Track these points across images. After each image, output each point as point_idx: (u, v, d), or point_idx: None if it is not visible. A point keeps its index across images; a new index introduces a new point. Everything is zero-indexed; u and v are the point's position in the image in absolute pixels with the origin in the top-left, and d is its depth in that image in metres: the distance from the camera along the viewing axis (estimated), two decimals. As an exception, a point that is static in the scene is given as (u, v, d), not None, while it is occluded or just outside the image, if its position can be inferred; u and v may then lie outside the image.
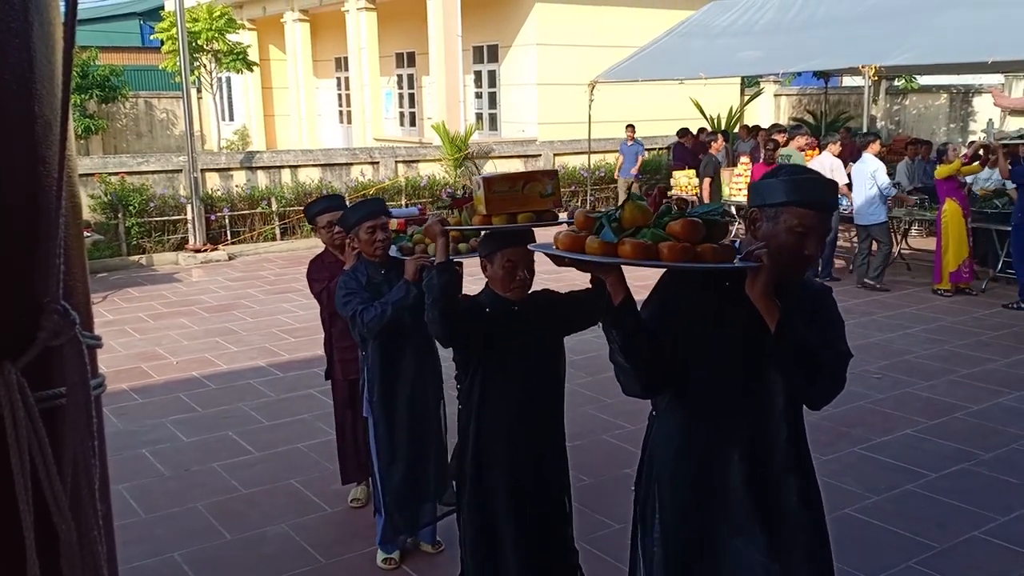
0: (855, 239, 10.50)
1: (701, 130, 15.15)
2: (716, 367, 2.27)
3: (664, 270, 2.29)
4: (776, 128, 12.79)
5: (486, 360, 3.03)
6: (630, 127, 14.36)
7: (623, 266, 2.14)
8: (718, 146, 12.07)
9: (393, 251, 3.74)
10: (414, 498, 3.88)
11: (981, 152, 9.76)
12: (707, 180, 11.47)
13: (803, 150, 10.72)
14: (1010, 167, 8.84)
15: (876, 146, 9.66)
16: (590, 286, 3.01)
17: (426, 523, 4.00)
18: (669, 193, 12.86)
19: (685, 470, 2.31)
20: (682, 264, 2.07)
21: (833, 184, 2.27)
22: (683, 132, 14.96)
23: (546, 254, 2.29)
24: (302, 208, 12.73)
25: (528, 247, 2.84)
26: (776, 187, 2.17)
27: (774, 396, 2.25)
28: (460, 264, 3.76)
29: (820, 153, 10.40)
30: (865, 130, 10.92)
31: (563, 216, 3.15)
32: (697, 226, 2.11)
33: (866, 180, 9.39)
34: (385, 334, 3.66)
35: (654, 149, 16.61)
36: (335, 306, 3.77)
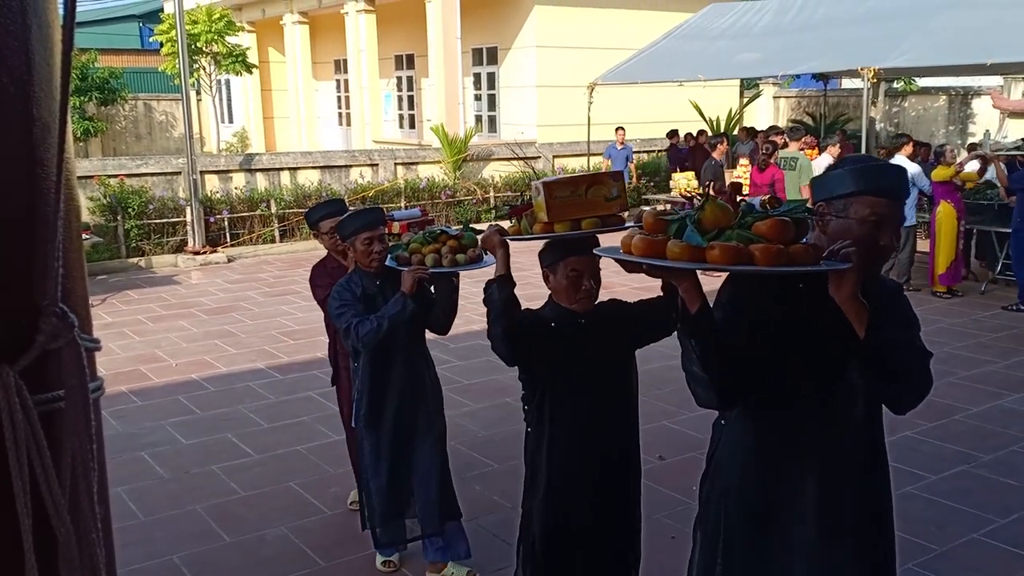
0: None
1: (701, 132, 15.13)
2: (792, 375, 2.13)
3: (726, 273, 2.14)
4: (773, 130, 12.79)
5: (553, 378, 2.84)
6: (620, 129, 14.13)
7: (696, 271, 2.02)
8: (722, 150, 11.74)
9: (389, 261, 3.62)
10: (397, 513, 3.78)
11: (978, 164, 9.76)
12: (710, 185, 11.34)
13: (803, 150, 10.69)
14: (1007, 173, 8.86)
15: (909, 148, 9.59)
16: (661, 293, 2.82)
17: (412, 539, 3.87)
18: (682, 191, 12.79)
19: (755, 483, 2.19)
20: (777, 268, 1.91)
21: (902, 170, 2.18)
22: (672, 133, 14.99)
23: (617, 260, 2.13)
24: (301, 210, 12.76)
25: (595, 252, 2.60)
26: (844, 177, 2.08)
27: (853, 406, 2.13)
28: (457, 276, 3.66)
29: (820, 155, 10.40)
30: (864, 132, 10.94)
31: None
32: (787, 226, 1.96)
33: None
34: (378, 346, 3.57)
35: (653, 151, 16.63)
36: (329, 315, 3.70)
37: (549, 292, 2.89)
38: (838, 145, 10.31)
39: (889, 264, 9.69)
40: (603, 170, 13.80)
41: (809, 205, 2.18)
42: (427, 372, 3.81)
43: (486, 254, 3.60)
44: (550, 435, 2.83)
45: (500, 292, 2.79)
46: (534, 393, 2.87)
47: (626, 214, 2.93)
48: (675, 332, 2.84)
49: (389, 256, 3.63)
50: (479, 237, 3.19)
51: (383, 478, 3.72)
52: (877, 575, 2.22)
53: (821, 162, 9.76)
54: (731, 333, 2.12)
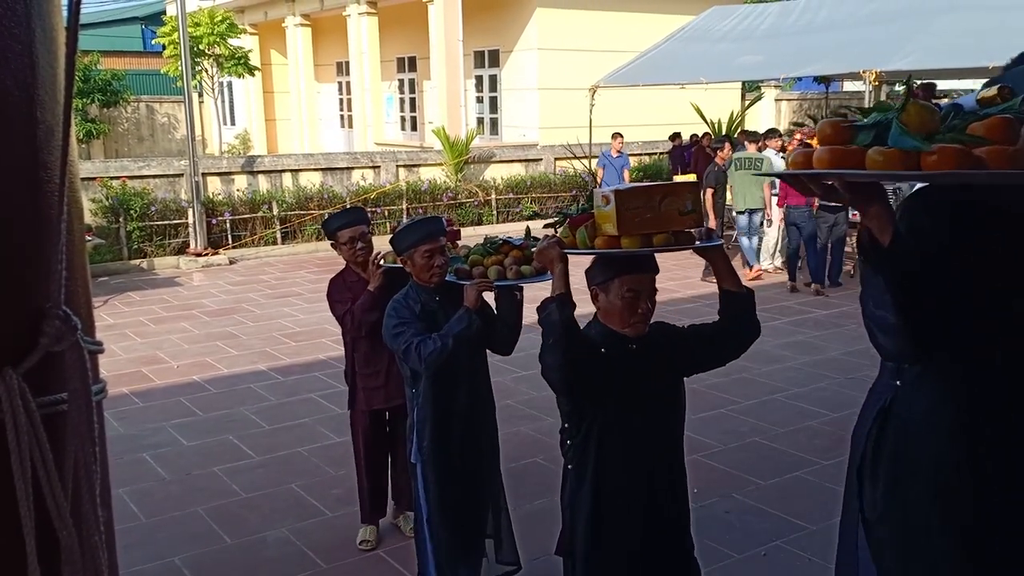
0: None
1: (705, 134, 15.09)
2: (998, 320, 1.77)
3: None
4: (772, 132, 12.71)
5: (602, 411, 2.58)
6: (618, 135, 13.15)
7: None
8: (724, 155, 11.29)
9: (448, 276, 3.32)
10: (467, 553, 3.44)
11: None
12: (710, 191, 10.64)
13: (784, 150, 10.45)
14: None
15: None
16: (720, 313, 2.62)
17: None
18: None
19: (955, 452, 1.84)
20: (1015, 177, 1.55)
21: None
22: (674, 136, 15.02)
23: (793, 176, 1.82)
24: (303, 212, 12.80)
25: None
26: None
27: None
28: (520, 289, 3.35)
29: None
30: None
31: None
32: (1011, 124, 1.61)
33: None
34: (441, 368, 3.23)
35: (655, 154, 16.63)
36: (384, 337, 3.29)
37: (595, 312, 2.67)
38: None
39: None
40: (595, 180, 13.45)
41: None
42: (490, 396, 3.49)
43: None
44: (595, 473, 2.59)
45: (560, 314, 2.48)
46: (579, 428, 2.61)
47: (696, 231, 2.67)
48: (729, 362, 2.74)
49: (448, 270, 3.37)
50: (533, 250, 2.89)
51: (452, 515, 3.35)
52: None
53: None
54: (926, 267, 1.77)
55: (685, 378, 2.75)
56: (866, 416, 2.09)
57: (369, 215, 4.45)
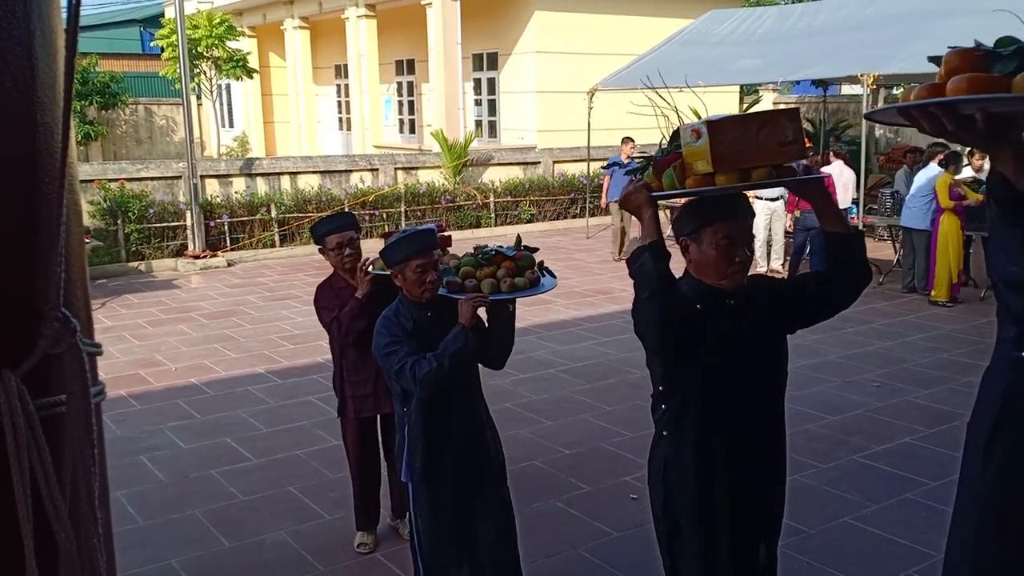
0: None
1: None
2: None
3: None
4: None
5: (696, 374, 2.39)
6: (628, 140, 12.07)
7: None
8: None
9: (440, 289, 3.18)
10: (456, 567, 3.30)
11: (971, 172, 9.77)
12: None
13: None
14: None
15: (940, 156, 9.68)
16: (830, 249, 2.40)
17: None
18: None
19: None
20: None
21: None
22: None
23: (932, 104, 1.68)
24: (302, 215, 12.79)
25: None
26: None
27: None
28: (514, 302, 3.21)
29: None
30: (864, 139, 11.00)
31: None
32: None
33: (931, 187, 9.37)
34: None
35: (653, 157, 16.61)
36: (375, 354, 3.16)
37: (686, 267, 2.47)
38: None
39: (908, 278, 9.70)
40: (601, 187, 12.70)
41: None
42: (485, 412, 3.36)
43: (544, 275, 3.32)
44: (696, 434, 2.41)
45: (655, 263, 2.26)
46: (672, 394, 2.42)
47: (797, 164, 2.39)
48: (838, 313, 2.54)
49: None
50: (619, 198, 2.61)
51: (441, 537, 3.23)
52: None
53: (831, 169, 9.93)
54: None
55: (788, 335, 2.54)
56: (990, 393, 1.97)
57: (359, 219, 4.37)
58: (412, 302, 3.15)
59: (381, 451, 4.26)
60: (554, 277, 3.42)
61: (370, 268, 3.74)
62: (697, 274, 2.40)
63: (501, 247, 3.38)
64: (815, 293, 2.49)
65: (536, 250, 3.46)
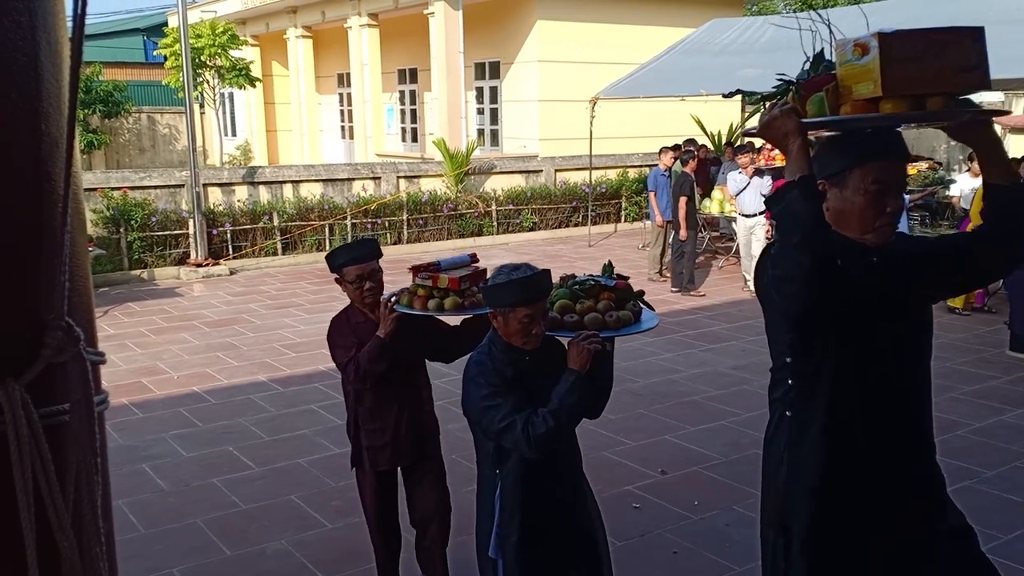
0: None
1: (702, 146, 14.98)
2: None
3: None
4: (741, 149, 12.55)
5: (836, 342, 2.03)
6: (667, 150, 11.37)
7: None
8: (693, 166, 10.77)
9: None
10: None
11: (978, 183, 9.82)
12: (683, 199, 10.28)
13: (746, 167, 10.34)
14: None
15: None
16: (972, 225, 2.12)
17: None
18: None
19: None
20: None
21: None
22: (676, 147, 14.99)
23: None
24: (304, 223, 12.80)
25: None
26: None
27: None
28: (613, 339, 2.74)
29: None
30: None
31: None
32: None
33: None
34: None
35: (655, 166, 16.63)
36: (466, 410, 2.67)
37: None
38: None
39: None
40: (650, 202, 11.27)
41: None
42: (582, 471, 2.92)
43: (644, 308, 2.89)
44: (828, 415, 2.05)
45: (806, 204, 1.87)
46: (806, 364, 2.06)
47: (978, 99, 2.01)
48: (992, 281, 2.27)
49: None
50: (754, 128, 2.15)
51: None
52: None
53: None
54: None
55: (932, 304, 2.20)
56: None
57: (361, 227, 3.93)
58: (508, 344, 2.65)
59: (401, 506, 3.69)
60: (652, 310, 2.97)
61: (395, 305, 3.28)
62: (836, 225, 2.02)
63: (595, 276, 3.00)
64: (969, 253, 2.13)
65: (628, 278, 3.05)
